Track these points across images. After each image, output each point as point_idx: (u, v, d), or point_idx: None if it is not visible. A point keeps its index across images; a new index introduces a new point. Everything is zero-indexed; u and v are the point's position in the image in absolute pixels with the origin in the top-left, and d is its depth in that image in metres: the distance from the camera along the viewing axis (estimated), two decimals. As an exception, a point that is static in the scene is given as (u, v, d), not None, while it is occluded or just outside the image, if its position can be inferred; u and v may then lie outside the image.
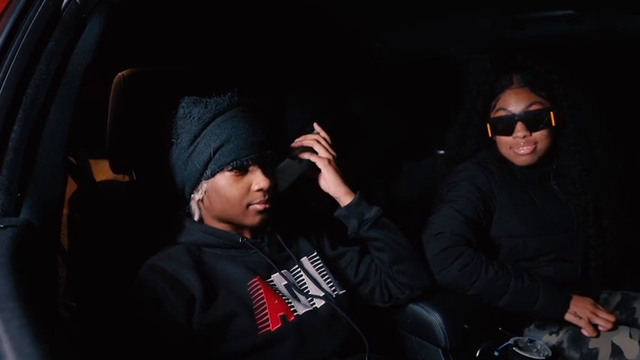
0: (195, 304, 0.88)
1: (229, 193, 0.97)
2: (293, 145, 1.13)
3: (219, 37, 1.57)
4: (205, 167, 0.96)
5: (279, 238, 1.07)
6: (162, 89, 1.11)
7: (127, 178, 1.25)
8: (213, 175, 0.96)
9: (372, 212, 1.10)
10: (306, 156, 1.10)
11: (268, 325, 0.92)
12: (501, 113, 1.30)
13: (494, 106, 1.32)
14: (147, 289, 0.87)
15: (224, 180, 0.97)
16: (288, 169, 1.08)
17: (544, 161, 1.33)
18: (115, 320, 0.86)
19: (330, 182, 1.10)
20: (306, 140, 1.12)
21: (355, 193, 1.11)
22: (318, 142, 1.11)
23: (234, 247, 1.02)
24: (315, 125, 1.15)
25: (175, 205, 1.03)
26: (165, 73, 1.23)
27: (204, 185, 0.98)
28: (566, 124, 1.29)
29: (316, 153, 1.10)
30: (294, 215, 1.17)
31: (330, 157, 1.10)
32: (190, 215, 1.03)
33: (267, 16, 1.61)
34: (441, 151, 2.31)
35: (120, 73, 1.16)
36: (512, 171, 1.35)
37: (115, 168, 1.20)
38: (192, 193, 1.00)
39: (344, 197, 1.10)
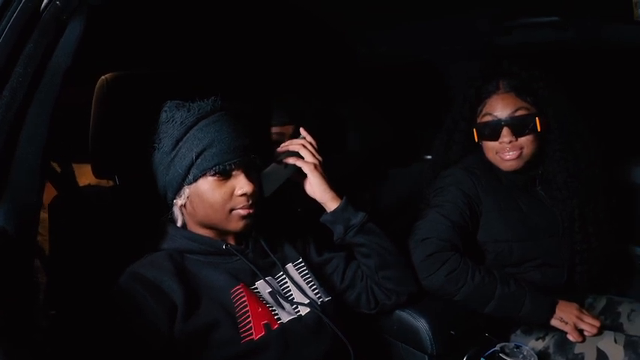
0: (176, 312, 0.87)
1: (212, 198, 0.95)
2: (279, 149, 1.12)
3: (203, 40, 1.56)
4: (187, 172, 0.94)
5: (263, 244, 1.06)
6: (145, 93, 1.09)
7: (110, 183, 1.23)
8: (195, 179, 0.95)
9: (358, 218, 1.09)
10: (291, 161, 1.09)
11: (251, 334, 0.90)
12: (487, 118, 1.30)
13: (481, 111, 1.33)
14: (127, 297, 0.85)
15: (207, 185, 0.95)
16: (273, 174, 1.07)
17: (530, 166, 1.33)
18: (94, 328, 0.84)
19: (315, 187, 1.09)
20: (292, 145, 1.11)
21: (341, 198, 1.10)
22: (304, 146, 1.10)
23: (217, 254, 1.00)
24: (302, 130, 1.14)
25: (158, 211, 1.02)
26: (149, 77, 1.21)
27: (187, 190, 0.96)
28: (551, 130, 1.30)
29: (302, 158, 1.09)
30: (279, 221, 1.16)
31: (317, 161, 1.09)
32: (173, 221, 1.01)
33: (252, 20, 1.60)
34: (429, 157, 2.32)
35: (103, 77, 1.14)
36: (498, 176, 1.35)
37: (97, 172, 1.17)
38: (175, 199, 0.98)
39: (330, 203, 1.10)
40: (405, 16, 1.66)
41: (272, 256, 1.06)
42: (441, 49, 1.85)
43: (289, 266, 1.09)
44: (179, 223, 1.01)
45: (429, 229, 1.24)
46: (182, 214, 1.00)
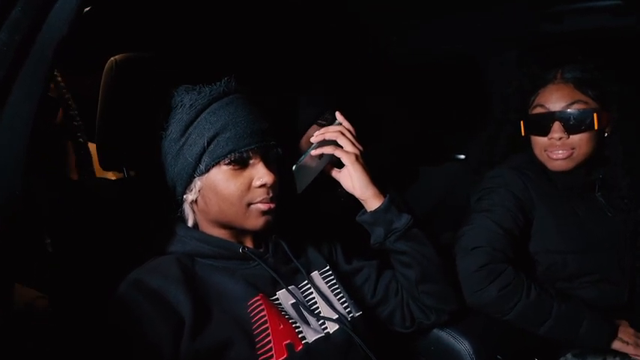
0: (183, 328, 0.74)
1: (226, 190, 0.82)
2: (312, 138, 0.97)
3: (224, 23, 1.44)
4: (198, 161, 0.82)
5: (285, 247, 0.93)
6: (157, 77, 0.99)
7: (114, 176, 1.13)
8: (207, 169, 0.82)
9: (402, 221, 0.94)
10: (329, 150, 0.93)
11: (271, 356, 0.77)
12: (538, 110, 1.16)
13: (533, 101, 1.18)
14: (126, 310, 0.73)
15: (220, 175, 0.83)
16: (306, 167, 0.93)
17: (588, 170, 1.18)
18: (86, 344, 0.73)
19: (356, 182, 0.93)
20: (329, 132, 0.95)
21: (384, 196, 0.95)
22: (343, 134, 0.95)
23: (233, 258, 0.87)
24: (338, 115, 0.99)
25: (168, 208, 0.89)
26: (161, 60, 1.09)
27: (198, 183, 0.84)
28: (615, 130, 1.15)
29: (340, 147, 0.94)
30: (302, 221, 1.03)
31: (357, 151, 0.94)
32: (183, 220, 0.89)
33: (277, 7, 1.49)
34: (461, 156, 2.18)
35: (112, 58, 1.05)
36: (552, 179, 1.20)
37: (104, 163, 1.07)
38: (185, 193, 0.86)
39: (371, 200, 0.94)
40: (442, 8, 1.53)
41: (295, 261, 0.92)
42: (480, 41, 1.71)
43: (315, 274, 0.96)
44: (190, 223, 0.89)
45: (479, 237, 1.09)
46: (193, 211, 0.88)
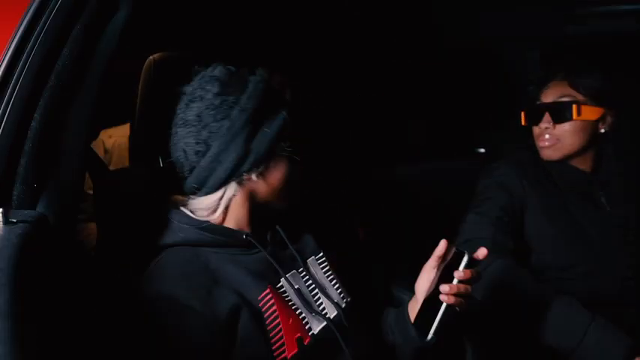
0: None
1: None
2: (443, 297, 0.81)
3: (263, 24, 1.49)
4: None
5: (282, 233, 0.89)
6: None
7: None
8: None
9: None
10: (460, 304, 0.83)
11: (284, 352, 0.76)
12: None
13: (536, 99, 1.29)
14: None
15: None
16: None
17: (580, 163, 1.25)
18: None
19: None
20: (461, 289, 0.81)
21: None
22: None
23: (234, 246, 0.82)
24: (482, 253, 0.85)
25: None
26: (200, 59, 1.15)
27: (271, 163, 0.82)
28: (612, 128, 1.23)
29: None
30: (296, 209, 0.98)
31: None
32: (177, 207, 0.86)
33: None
34: (482, 150, 2.18)
35: (151, 57, 1.07)
36: (550, 173, 1.28)
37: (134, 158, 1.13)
38: (251, 171, 0.80)
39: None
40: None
41: (291, 247, 0.89)
42: (507, 38, 1.73)
43: (311, 260, 0.93)
44: (206, 214, 0.83)
45: (467, 232, 1.19)
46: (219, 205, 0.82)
